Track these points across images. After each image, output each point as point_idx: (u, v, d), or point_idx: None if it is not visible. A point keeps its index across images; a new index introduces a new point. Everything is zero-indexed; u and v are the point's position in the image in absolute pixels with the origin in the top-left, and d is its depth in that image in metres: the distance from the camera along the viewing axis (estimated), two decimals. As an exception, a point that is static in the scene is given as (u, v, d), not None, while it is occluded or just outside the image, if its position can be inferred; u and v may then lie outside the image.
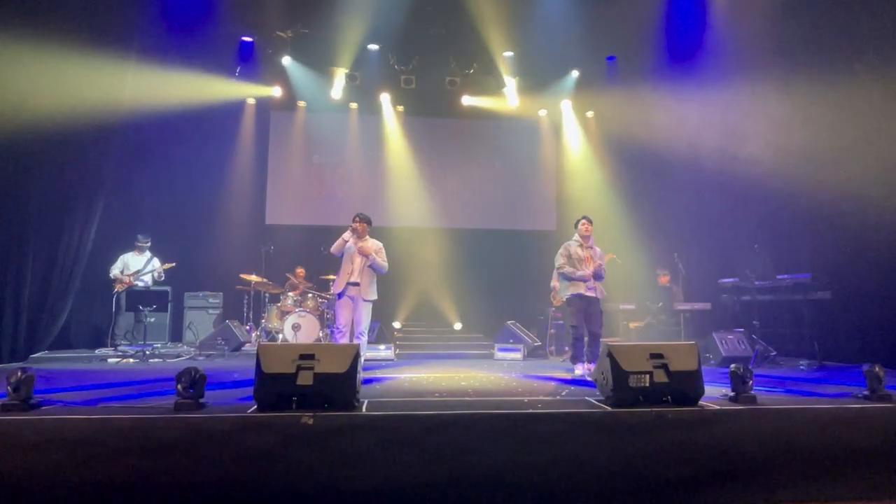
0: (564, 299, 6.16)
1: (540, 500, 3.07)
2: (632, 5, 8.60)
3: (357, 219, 5.84)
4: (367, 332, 5.83)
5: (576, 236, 6.17)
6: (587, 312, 5.89)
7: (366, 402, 3.55)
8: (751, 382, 3.61)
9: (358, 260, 5.74)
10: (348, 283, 5.70)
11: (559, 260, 6.11)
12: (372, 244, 5.88)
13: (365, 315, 5.75)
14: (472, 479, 3.06)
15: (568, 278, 5.99)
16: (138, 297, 7.67)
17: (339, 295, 5.73)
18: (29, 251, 7.20)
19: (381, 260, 5.85)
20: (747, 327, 6.83)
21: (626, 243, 8.79)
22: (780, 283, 6.66)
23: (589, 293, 5.90)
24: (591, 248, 6.11)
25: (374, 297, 5.85)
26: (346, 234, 5.78)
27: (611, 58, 9.96)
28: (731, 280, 7.32)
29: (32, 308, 7.10)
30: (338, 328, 5.73)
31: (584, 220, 6.14)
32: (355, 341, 5.62)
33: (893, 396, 3.62)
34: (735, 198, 8.10)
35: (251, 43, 9.35)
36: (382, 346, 7.62)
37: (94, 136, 7.88)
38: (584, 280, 5.89)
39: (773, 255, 6.81)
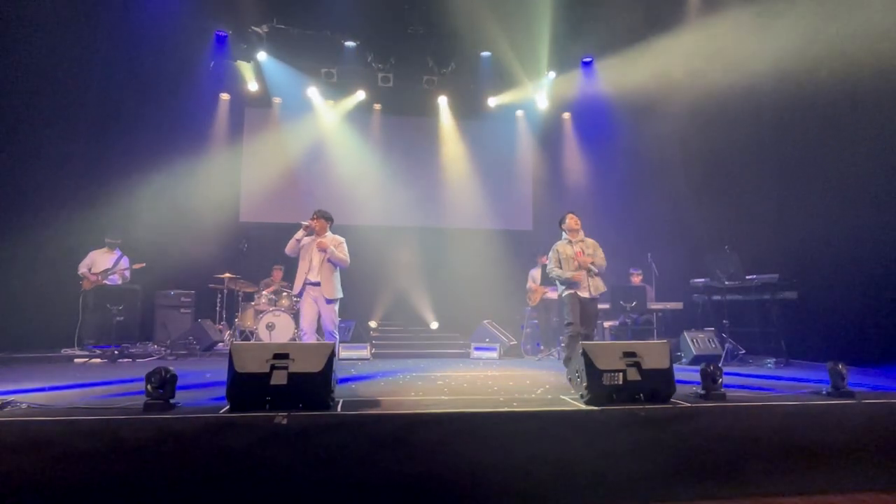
0: (561, 296, 5.83)
1: (515, 498, 3.09)
2: (609, 7, 8.71)
3: (314, 216, 5.57)
4: (337, 331, 5.57)
5: (563, 234, 5.90)
6: (583, 313, 5.63)
7: (341, 401, 3.53)
8: (721, 380, 3.70)
9: (316, 257, 5.46)
10: (307, 283, 5.45)
11: (549, 264, 5.87)
12: (331, 239, 5.59)
13: (330, 315, 5.47)
14: (448, 478, 3.06)
15: (563, 281, 5.71)
16: (107, 295, 7.49)
17: (299, 294, 5.49)
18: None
19: (341, 253, 5.55)
20: (717, 326, 6.98)
21: (601, 243, 8.90)
22: (749, 283, 6.82)
23: (583, 293, 5.62)
24: (582, 241, 5.82)
25: (338, 294, 5.57)
26: (299, 233, 5.51)
27: (587, 60, 10.08)
28: (702, 280, 7.47)
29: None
30: (302, 330, 5.49)
31: (570, 214, 5.89)
32: (321, 338, 5.41)
33: (855, 393, 3.74)
34: (707, 200, 8.27)
35: (225, 37, 9.20)
36: (358, 346, 7.59)
37: (57, 129, 7.70)
38: (575, 282, 5.60)
39: (743, 255, 6.97)
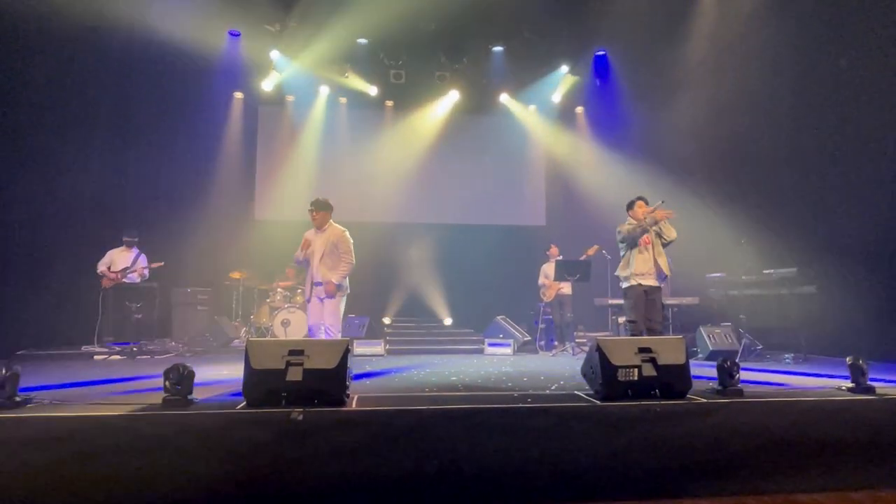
0: (622, 288, 5.47)
1: (529, 494, 3.08)
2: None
3: (312, 208, 5.26)
4: (336, 326, 5.14)
5: (629, 219, 5.55)
6: (647, 305, 5.28)
7: (356, 397, 3.55)
8: (737, 376, 3.65)
9: (316, 258, 5.18)
10: (313, 284, 5.19)
11: (622, 228, 5.43)
12: (331, 234, 5.25)
13: (331, 309, 5.12)
14: (463, 473, 3.06)
15: (632, 243, 5.33)
16: (125, 294, 7.60)
17: (309, 299, 5.23)
18: (12, 247, 7.12)
19: (343, 268, 5.17)
20: (734, 321, 6.90)
21: (615, 238, 8.85)
22: (766, 277, 6.73)
23: (651, 282, 5.29)
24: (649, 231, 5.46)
25: (342, 291, 5.23)
26: (298, 253, 5.24)
27: (600, 53, 9.99)
28: (718, 275, 7.39)
29: (17, 304, 7.02)
30: (309, 328, 5.30)
31: (640, 201, 5.47)
32: (323, 336, 5.10)
33: (876, 389, 3.68)
34: (723, 193, 8.17)
35: (238, 36, 9.27)
36: (372, 342, 7.62)
37: (75, 130, 7.80)
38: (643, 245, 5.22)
39: (760, 249, 6.87)
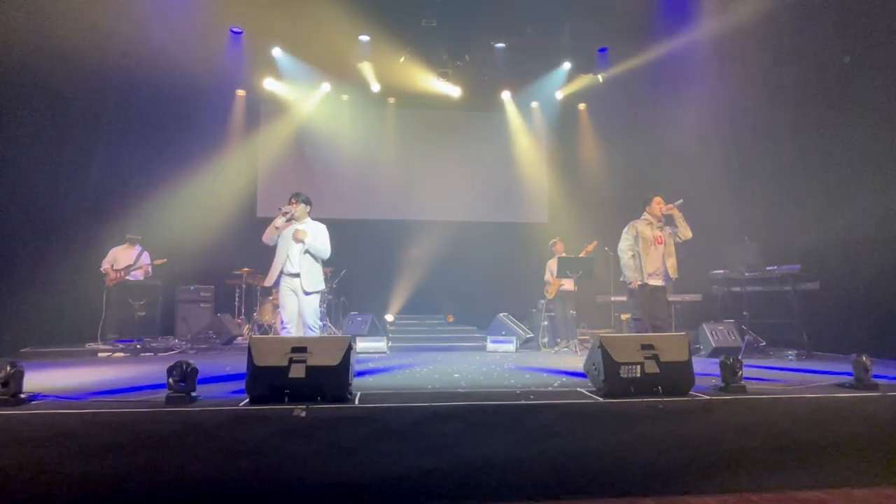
0: (629, 286, 5.50)
1: (532, 491, 3.09)
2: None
3: (292, 199, 5.17)
4: (316, 326, 5.12)
5: (645, 215, 5.50)
6: (653, 303, 5.31)
7: (358, 394, 3.55)
8: (740, 373, 3.64)
9: (295, 246, 5.06)
10: (284, 274, 5.03)
11: (626, 241, 5.40)
12: (311, 226, 5.20)
13: (309, 308, 5.05)
14: (465, 470, 3.07)
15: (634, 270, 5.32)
16: (129, 291, 7.62)
17: (275, 285, 5.04)
18: (16, 245, 7.14)
19: (320, 244, 5.14)
20: (737, 318, 6.89)
21: (619, 235, 8.84)
22: (769, 274, 6.72)
23: (658, 281, 5.35)
24: (661, 228, 5.46)
25: (319, 287, 5.15)
26: (278, 220, 5.08)
27: (602, 49, 9.95)
28: (721, 271, 7.38)
29: (21, 302, 7.04)
30: (282, 323, 5.11)
31: (657, 197, 5.43)
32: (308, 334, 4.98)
33: (880, 385, 3.67)
34: (726, 189, 8.15)
35: (240, 34, 9.26)
36: (375, 339, 7.63)
37: (78, 129, 7.80)
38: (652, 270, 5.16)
39: (763, 246, 6.85)
